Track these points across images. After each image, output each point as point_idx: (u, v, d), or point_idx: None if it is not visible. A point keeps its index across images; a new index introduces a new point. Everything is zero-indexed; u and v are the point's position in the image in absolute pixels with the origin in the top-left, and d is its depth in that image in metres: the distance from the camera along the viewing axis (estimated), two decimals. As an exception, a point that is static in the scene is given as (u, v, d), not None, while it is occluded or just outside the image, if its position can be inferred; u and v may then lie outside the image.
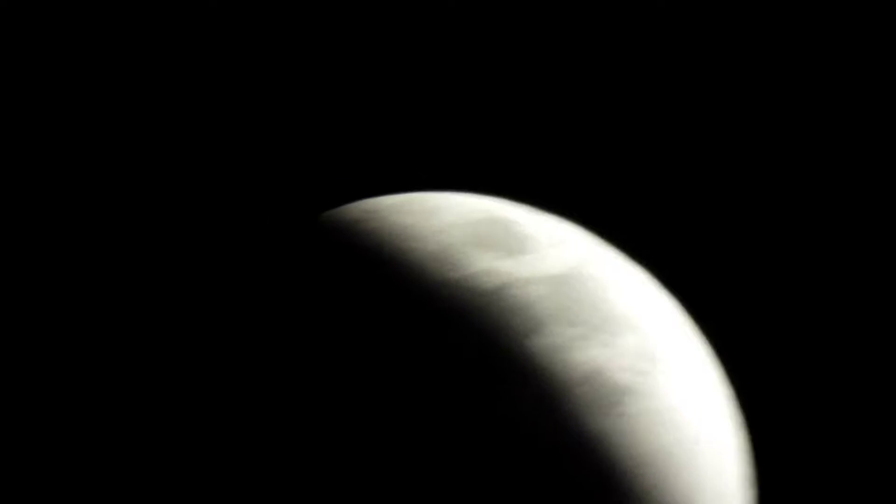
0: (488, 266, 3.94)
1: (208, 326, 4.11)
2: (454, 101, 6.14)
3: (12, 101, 5.97)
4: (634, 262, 4.43)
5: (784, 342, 6.20)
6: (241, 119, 6.08)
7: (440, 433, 3.63)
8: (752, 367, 5.95)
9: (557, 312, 3.89)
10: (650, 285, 4.37)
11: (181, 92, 6.08)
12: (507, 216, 4.24)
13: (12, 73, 5.97)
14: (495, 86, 6.16)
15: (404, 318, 3.79)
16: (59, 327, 5.71)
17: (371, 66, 6.15)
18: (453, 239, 4.04)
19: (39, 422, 5.47)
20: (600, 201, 6.00)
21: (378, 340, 3.76)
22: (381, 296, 3.85)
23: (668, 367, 4.04)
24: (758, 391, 5.77)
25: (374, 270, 3.93)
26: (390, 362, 3.72)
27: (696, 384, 4.14)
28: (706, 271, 6.14)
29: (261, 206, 5.89)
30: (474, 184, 4.58)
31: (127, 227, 5.94)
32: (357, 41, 6.17)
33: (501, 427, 3.65)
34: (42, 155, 5.97)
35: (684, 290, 4.55)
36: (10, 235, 5.86)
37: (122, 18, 6.08)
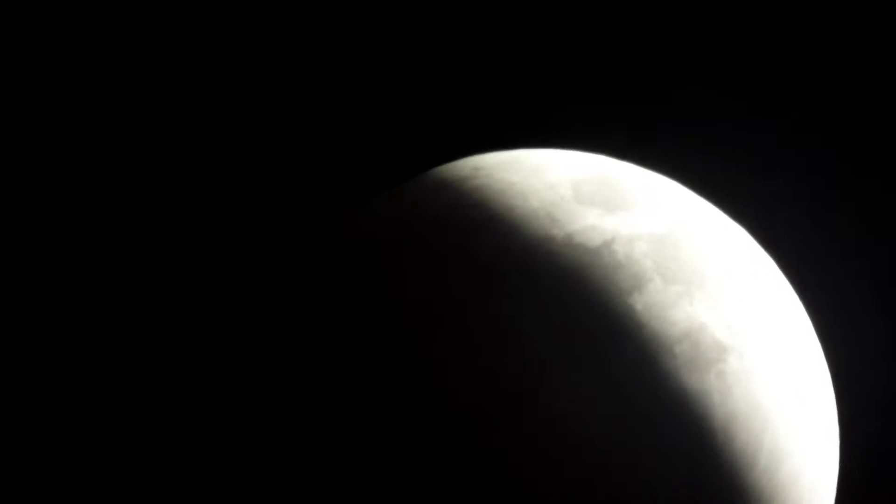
0: (592, 223, 3.96)
1: (317, 269, 4.19)
2: (560, 61, 6.12)
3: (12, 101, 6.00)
4: (735, 221, 4.42)
5: (877, 301, 6.15)
6: (353, 77, 6.10)
7: (540, 386, 3.68)
8: (846, 325, 5.93)
9: (659, 270, 3.90)
10: (750, 244, 4.36)
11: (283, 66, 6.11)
12: (611, 174, 4.24)
13: (12, 73, 5.99)
14: (601, 46, 6.13)
15: (509, 274, 3.83)
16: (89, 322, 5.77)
17: (488, 23, 6.13)
18: (558, 196, 4.05)
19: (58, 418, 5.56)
20: (702, 160, 5.97)
21: (481, 295, 3.81)
22: (486, 252, 3.89)
23: (766, 326, 4.04)
24: (850, 350, 5.75)
25: (479, 227, 3.97)
26: (492, 317, 3.77)
27: (793, 343, 4.14)
28: (805, 231, 6.10)
29: (371, 161, 5.92)
30: (580, 141, 4.59)
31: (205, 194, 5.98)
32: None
33: (602, 383, 3.69)
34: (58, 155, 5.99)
35: (782, 249, 4.55)
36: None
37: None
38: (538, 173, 4.18)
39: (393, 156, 5.97)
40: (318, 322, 4.06)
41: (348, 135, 6.05)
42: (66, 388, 5.60)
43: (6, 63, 5.93)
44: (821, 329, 4.45)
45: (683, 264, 3.96)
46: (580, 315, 3.76)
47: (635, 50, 6.12)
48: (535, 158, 4.31)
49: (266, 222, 5.85)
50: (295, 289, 4.26)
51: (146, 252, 5.87)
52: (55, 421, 5.56)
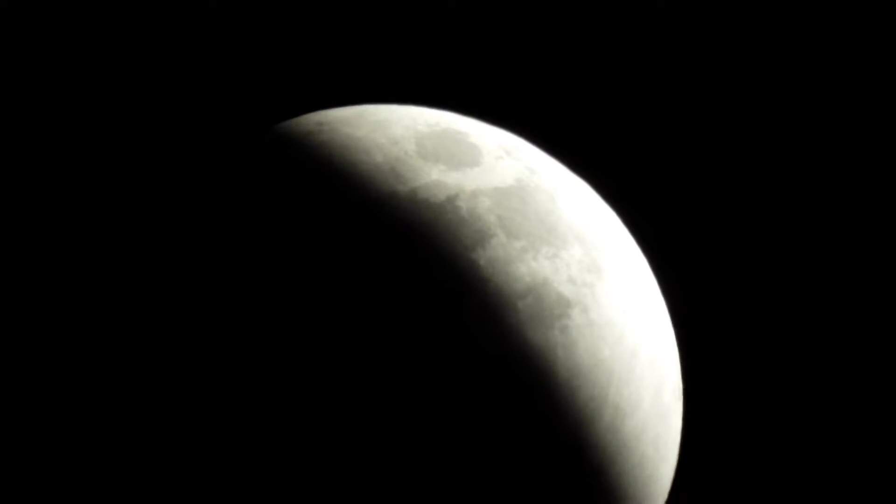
0: (436, 178, 3.95)
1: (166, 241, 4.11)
2: (408, 13, 6.10)
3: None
4: (579, 175, 4.46)
5: (722, 254, 6.29)
6: (201, 28, 6.01)
7: (383, 343, 3.66)
8: (691, 281, 6.05)
9: (503, 225, 3.91)
10: (595, 198, 4.40)
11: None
12: (455, 128, 4.23)
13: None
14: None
15: (351, 230, 3.80)
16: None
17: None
18: (402, 151, 4.03)
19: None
20: (546, 113, 6.02)
21: (325, 253, 3.77)
22: (329, 209, 3.85)
23: (611, 280, 4.08)
24: (694, 305, 5.88)
25: (323, 183, 3.93)
26: (337, 275, 3.73)
27: (638, 297, 4.19)
28: (648, 183, 6.19)
29: (215, 117, 5.85)
30: (424, 96, 4.58)
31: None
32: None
33: (445, 339, 3.69)
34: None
35: (627, 202, 4.61)
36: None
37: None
38: (382, 128, 4.15)
39: (237, 112, 5.90)
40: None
41: (196, 90, 5.97)
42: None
43: (6, 63, 5.77)
44: (667, 285, 4.52)
45: (527, 219, 3.97)
46: (423, 271, 3.75)
47: (485, 7, 6.14)
48: (380, 113, 4.28)
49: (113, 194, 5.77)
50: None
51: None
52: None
